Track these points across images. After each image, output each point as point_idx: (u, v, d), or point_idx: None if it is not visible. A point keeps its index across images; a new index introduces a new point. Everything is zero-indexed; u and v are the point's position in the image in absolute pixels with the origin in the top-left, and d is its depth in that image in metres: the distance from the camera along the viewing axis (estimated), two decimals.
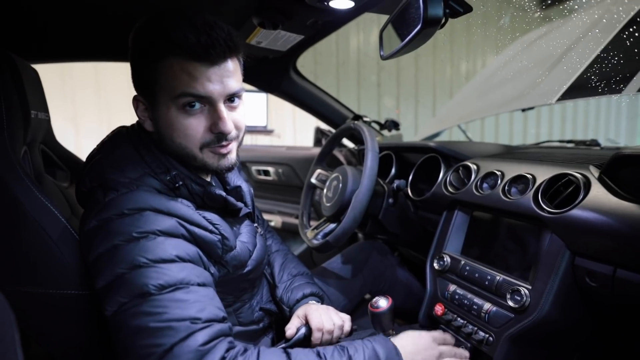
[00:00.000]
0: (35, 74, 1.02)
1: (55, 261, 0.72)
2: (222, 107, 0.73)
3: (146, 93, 0.75)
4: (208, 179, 0.85)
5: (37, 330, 0.78)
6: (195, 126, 0.72)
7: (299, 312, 0.94)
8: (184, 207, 0.72)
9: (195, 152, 0.75)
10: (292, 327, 0.90)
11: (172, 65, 0.68)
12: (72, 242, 0.74)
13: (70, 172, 1.26)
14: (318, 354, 0.68)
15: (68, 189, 1.11)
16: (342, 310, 0.98)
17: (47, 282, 0.72)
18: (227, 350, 0.61)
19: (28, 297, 0.73)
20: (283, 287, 1.02)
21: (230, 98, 0.74)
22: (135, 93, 0.77)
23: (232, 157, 0.79)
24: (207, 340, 0.61)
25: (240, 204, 0.85)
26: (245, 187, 0.96)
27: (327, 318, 0.89)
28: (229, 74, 0.72)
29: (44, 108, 1.06)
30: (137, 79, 0.76)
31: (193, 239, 0.72)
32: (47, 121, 1.10)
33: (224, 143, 0.76)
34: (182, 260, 0.67)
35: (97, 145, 0.81)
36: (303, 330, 0.89)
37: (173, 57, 0.68)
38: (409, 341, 0.80)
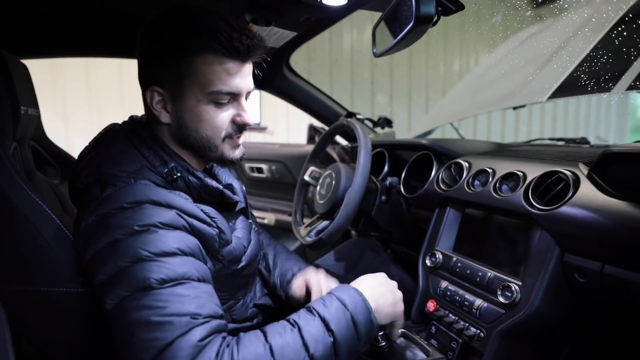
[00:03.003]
0: (25, 69, 1.01)
1: (47, 259, 0.71)
2: (245, 101, 0.79)
3: (171, 85, 0.74)
4: (202, 175, 0.85)
5: (28, 328, 0.77)
6: (223, 119, 0.77)
7: (298, 281, 0.99)
8: (182, 199, 0.73)
9: (217, 143, 0.79)
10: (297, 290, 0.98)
11: (210, 61, 0.72)
12: (64, 239, 0.73)
13: (61, 169, 1.25)
14: (290, 322, 0.68)
15: (59, 186, 1.10)
16: None
17: (38, 280, 0.72)
18: (221, 345, 0.62)
19: (19, 295, 0.72)
20: (275, 275, 1.06)
21: (247, 94, 0.80)
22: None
23: (242, 148, 0.85)
24: (205, 336, 0.61)
25: (236, 197, 0.86)
26: (237, 185, 0.97)
27: (324, 284, 0.95)
28: (250, 71, 0.78)
29: (34, 104, 1.04)
30: (163, 72, 0.75)
31: (192, 231, 0.72)
32: (37, 117, 1.09)
33: (240, 135, 0.81)
34: (184, 253, 0.67)
35: (90, 142, 0.80)
36: None
37: (213, 53, 0.71)
38: (365, 281, 0.81)
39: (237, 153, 0.83)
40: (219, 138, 0.78)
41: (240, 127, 0.80)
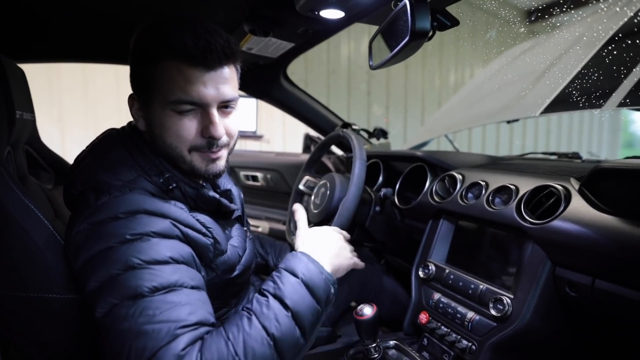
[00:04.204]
0: (21, 73, 1.01)
1: (38, 264, 0.71)
2: (215, 112, 0.74)
3: (142, 93, 0.76)
4: (200, 181, 0.85)
5: (18, 335, 0.76)
6: (187, 128, 0.73)
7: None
8: (177, 209, 0.72)
9: (184, 154, 0.75)
10: None
11: (169, 69, 0.70)
12: (56, 245, 0.72)
13: (55, 174, 1.24)
14: (245, 311, 0.67)
15: (52, 191, 1.09)
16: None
17: (29, 286, 0.71)
18: (196, 351, 0.60)
19: (9, 300, 0.71)
20: (271, 258, 1.20)
21: (224, 104, 0.76)
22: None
23: (221, 163, 0.80)
24: (189, 344, 0.60)
25: (233, 206, 0.86)
26: (235, 191, 0.96)
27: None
28: (225, 81, 0.73)
29: (30, 108, 1.04)
30: (135, 79, 0.77)
31: (187, 240, 0.72)
32: (33, 122, 1.09)
33: (214, 149, 0.77)
34: (176, 261, 0.66)
35: (87, 147, 0.80)
36: None
37: (170, 60, 0.69)
38: (309, 241, 0.82)
39: (211, 168, 0.78)
40: (184, 149, 0.75)
41: (209, 141, 0.75)
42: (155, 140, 0.76)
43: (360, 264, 0.91)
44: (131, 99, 0.78)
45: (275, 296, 0.67)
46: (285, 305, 0.66)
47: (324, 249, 0.79)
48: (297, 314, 0.66)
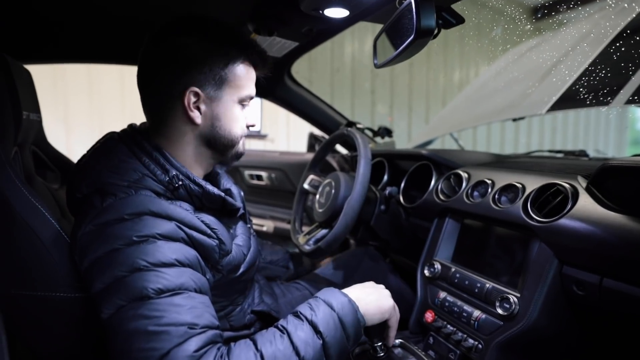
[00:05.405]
0: (28, 75, 1.02)
1: (45, 263, 0.71)
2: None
3: (209, 88, 0.78)
4: (203, 182, 0.86)
5: (25, 333, 0.77)
6: (246, 119, 0.87)
7: None
8: (182, 210, 0.73)
9: (240, 140, 0.87)
10: None
11: (245, 69, 0.82)
12: (63, 244, 0.73)
13: (61, 174, 1.25)
14: (278, 329, 0.68)
15: (58, 191, 1.10)
16: None
17: (35, 285, 0.71)
18: (215, 356, 0.62)
19: (16, 299, 0.72)
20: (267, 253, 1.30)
21: None
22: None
23: None
24: (201, 346, 0.61)
25: (238, 204, 0.87)
26: (235, 190, 0.97)
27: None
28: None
29: (36, 109, 1.05)
30: (201, 75, 0.76)
31: (192, 242, 0.72)
32: (39, 122, 1.10)
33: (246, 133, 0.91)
34: (182, 264, 0.67)
35: (89, 151, 0.80)
36: None
37: (248, 62, 0.82)
38: (354, 287, 0.82)
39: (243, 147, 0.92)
40: (243, 136, 0.87)
41: (248, 127, 0.89)
42: (216, 131, 0.82)
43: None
44: (189, 94, 0.76)
45: (311, 323, 0.69)
46: (319, 333, 0.68)
47: (364, 294, 0.79)
48: (328, 344, 0.68)
